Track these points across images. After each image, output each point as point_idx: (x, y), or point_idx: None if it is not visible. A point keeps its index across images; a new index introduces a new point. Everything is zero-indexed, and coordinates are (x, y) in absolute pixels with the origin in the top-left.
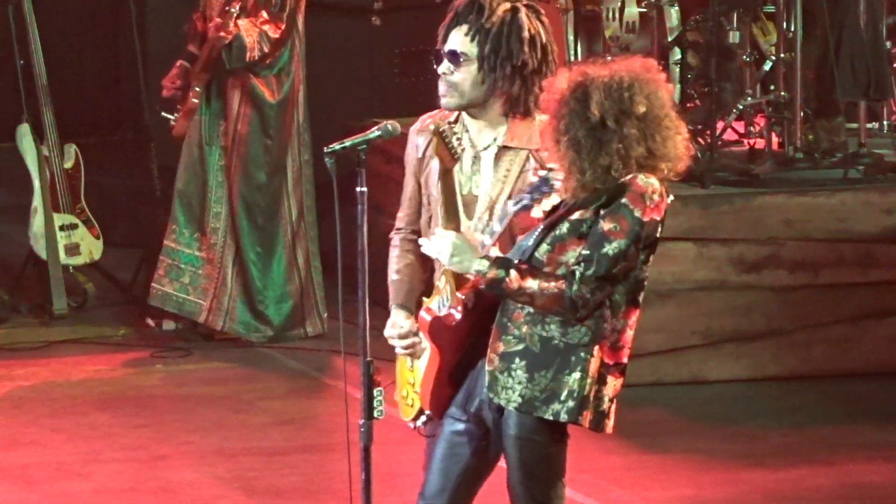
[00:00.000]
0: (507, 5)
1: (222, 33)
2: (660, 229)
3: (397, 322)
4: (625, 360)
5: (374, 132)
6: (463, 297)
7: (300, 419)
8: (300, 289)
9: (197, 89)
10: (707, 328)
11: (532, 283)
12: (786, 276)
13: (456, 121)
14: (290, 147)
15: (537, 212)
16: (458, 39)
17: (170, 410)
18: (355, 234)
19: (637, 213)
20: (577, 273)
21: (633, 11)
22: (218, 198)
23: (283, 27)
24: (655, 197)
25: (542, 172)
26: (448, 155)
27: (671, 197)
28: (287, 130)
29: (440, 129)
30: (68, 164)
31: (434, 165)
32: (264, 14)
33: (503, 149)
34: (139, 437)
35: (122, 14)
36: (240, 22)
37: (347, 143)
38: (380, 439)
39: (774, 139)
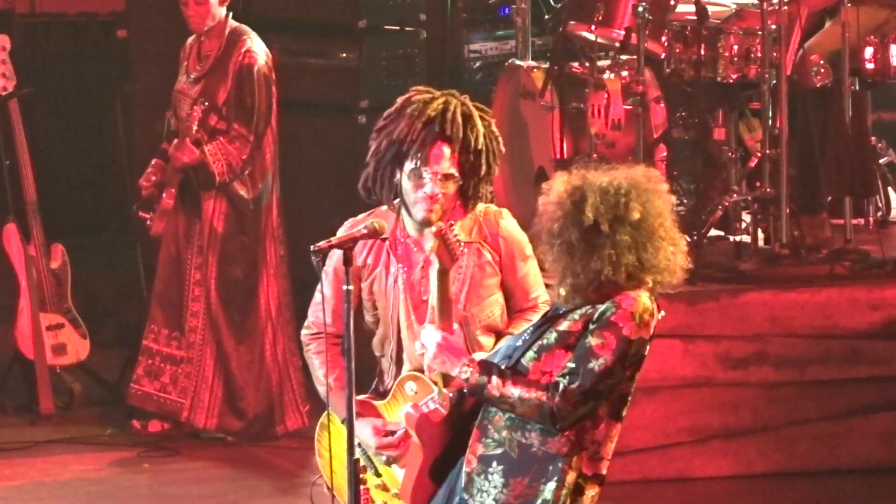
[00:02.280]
0: (475, 113)
1: (184, 159)
2: (648, 346)
3: (381, 428)
4: (604, 471)
5: (360, 231)
6: (450, 394)
7: None
8: (280, 384)
9: (172, 189)
10: (694, 425)
11: (514, 391)
12: (772, 373)
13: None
14: (266, 243)
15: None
16: (448, 161)
17: None
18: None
19: (625, 332)
20: (561, 385)
21: (618, 109)
22: (196, 296)
23: (252, 138)
24: (646, 316)
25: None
26: (448, 256)
27: (661, 313)
28: (263, 226)
29: (443, 232)
30: (55, 265)
31: (379, 272)
32: (235, 126)
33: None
34: None
35: (107, 114)
36: (207, 148)
37: (334, 241)
38: None
39: (760, 236)
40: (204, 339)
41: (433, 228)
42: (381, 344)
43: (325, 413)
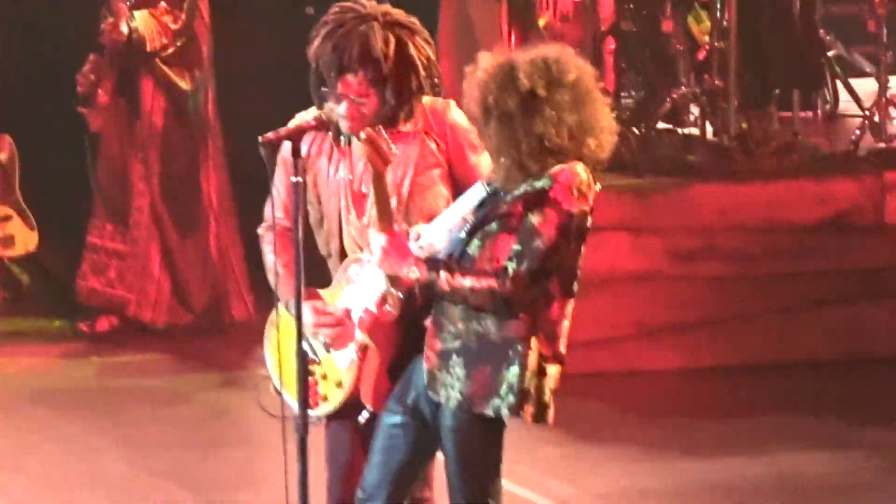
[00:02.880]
0: (392, 39)
1: (115, 35)
2: (589, 219)
3: (321, 308)
4: (562, 349)
5: (309, 122)
6: (399, 294)
7: (237, 412)
8: (223, 274)
9: (108, 84)
10: (642, 318)
11: (464, 283)
12: (720, 267)
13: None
14: (206, 135)
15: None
16: (356, 88)
17: (105, 403)
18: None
19: (566, 206)
20: (510, 269)
21: (567, 1)
22: (139, 191)
23: (182, 17)
24: (583, 188)
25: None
26: (379, 159)
27: (598, 185)
28: (203, 119)
29: (371, 137)
30: (2, 156)
31: (321, 164)
32: (163, 3)
33: (395, 134)
34: (74, 430)
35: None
36: (136, 13)
37: (282, 132)
38: (316, 430)
39: (708, 128)
40: (149, 233)
41: (362, 134)
42: (326, 242)
43: (274, 310)
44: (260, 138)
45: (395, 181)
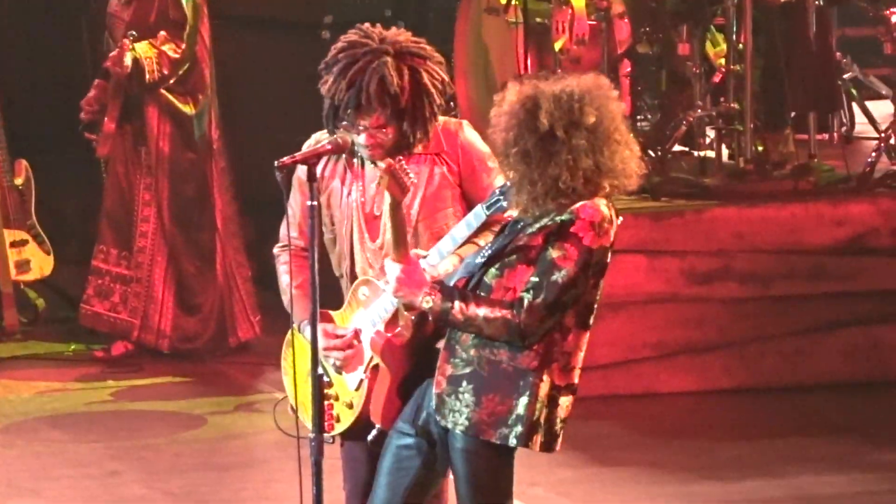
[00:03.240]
0: (406, 71)
1: (118, 68)
2: (609, 254)
3: (331, 331)
4: (576, 380)
5: (325, 146)
6: (412, 317)
7: (252, 434)
8: (230, 296)
9: (113, 112)
10: (659, 340)
11: (478, 313)
12: (737, 289)
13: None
14: (211, 158)
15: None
16: (374, 122)
17: (121, 426)
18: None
19: (586, 242)
20: (526, 300)
21: (582, 24)
22: (144, 217)
23: (183, 45)
24: (605, 224)
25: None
26: (398, 189)
27: (620, 219)
28: (207, 142)
29: (392, 167)
30: (18, 181)
31: (335, 186)
32: (163, 33)
33: (407, 156)
34: (91, 454)
35: (73, 30)
36: (137, 46)
37: (298, 156)
38: (331, 454)
39: (725, 151)
40: (153, 259)
41: (382, 164)
42: (338, 263)
43: (290, 330)
44: (276, 163)
45: (404, 202)
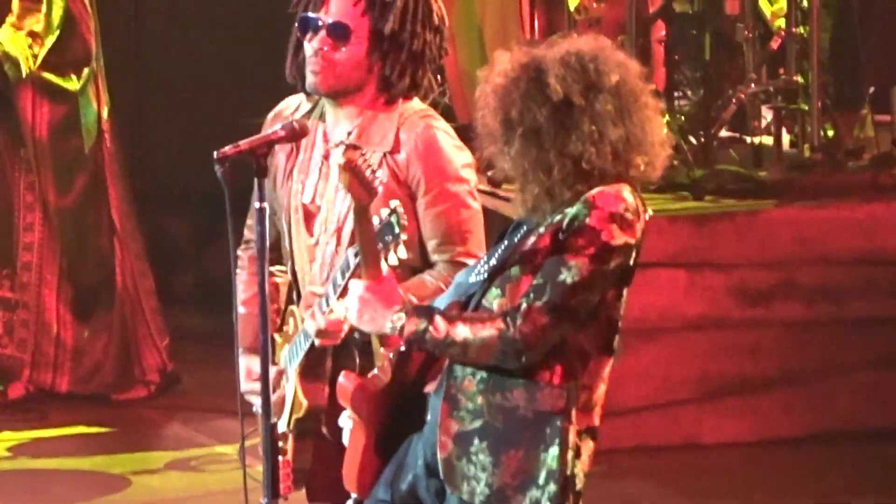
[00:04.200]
0: None
1: None
2: (635, 254)
3: (251, 369)
4: (597, 421)
5: (277, 133)
6: (390, 354)
7: (189, 499)
8: (132, 315)
9: None
10: (702, 376)
11: (462, 329)
12: (802, 310)
13: (313, 108)
14: (99, 140)
15: (392, 259)
16: (346, 9)
17: (22, 489)
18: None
19: (605, 237)
20: (524, 304)
21: None
22: (28, 224)
23: (42, 8)
24: (628, 215)
25: (385, 211)
26: (363, 190)
27: (650, 212)
28: (94, 119)
29: (352, 164)
30: None
31: (280, 161)
32: (16, 3)
33: (350, 149)
34: None
35: None
36: (2, 35)
37: (243, 145)
38: None
39: (785, 137)
40: (41, 277)
41: (341, 161)
42: (284, 262)
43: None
44: (216, 153)
45: (341, 213)
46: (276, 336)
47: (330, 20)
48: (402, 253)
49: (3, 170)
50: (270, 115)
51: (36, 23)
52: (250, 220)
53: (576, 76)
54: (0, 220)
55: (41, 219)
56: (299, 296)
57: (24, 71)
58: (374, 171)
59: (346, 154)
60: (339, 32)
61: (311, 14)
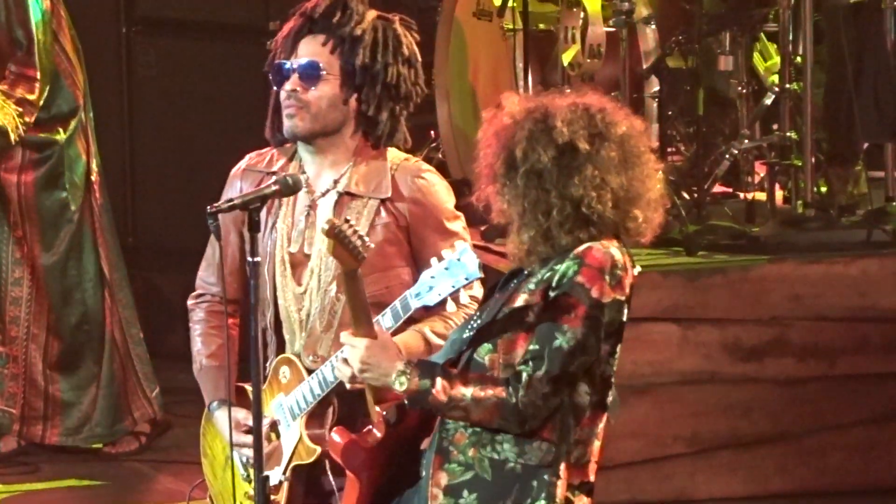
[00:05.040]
0: (375, 13)
1: None
2: (626, 310)
3: (243, 420)
4: (592, 477)
5: (270, 187)
6: (384, 412)
7: None
8: (123, 368)
9: None
10: (695, 432)
11: (465, 392)
12: (794, 366)
13: (291, 158)
14: (87, 193)
15: (464, 297)
16: (315, 49)
17: None
18: None
19: (594, 294)
20: (524, 375)
21: (597, 32)
22: (16, 279)
23: (37, 75)
24: (617, 271)
25: (450, 253)
26: (349, 255)
27: (638, 268)
28: (83, 172)
29: (336, 229)
30: None
31: (261, 214)
32: (12, 68)
33: (345, 196)
34: None
35: None
36: None
37: (237, 200)
38: None
39: (779, 192)
40: (28, 332)
41: (325, 226)
42: (262, 312)
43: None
44: (209, 209)
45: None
46: (246, 386)
47: (299, 62)
48: (477, 290)
49: None
50: (235, 169)
51: (29, 92)
52: (208, 276)
53: (583, 123)
54: None
55: (29, 273)
56: (280, 345)
57: (13, 139)
58: (361, 237)
59: (329, 221)
60: (309, 72)
61: (281, 61)
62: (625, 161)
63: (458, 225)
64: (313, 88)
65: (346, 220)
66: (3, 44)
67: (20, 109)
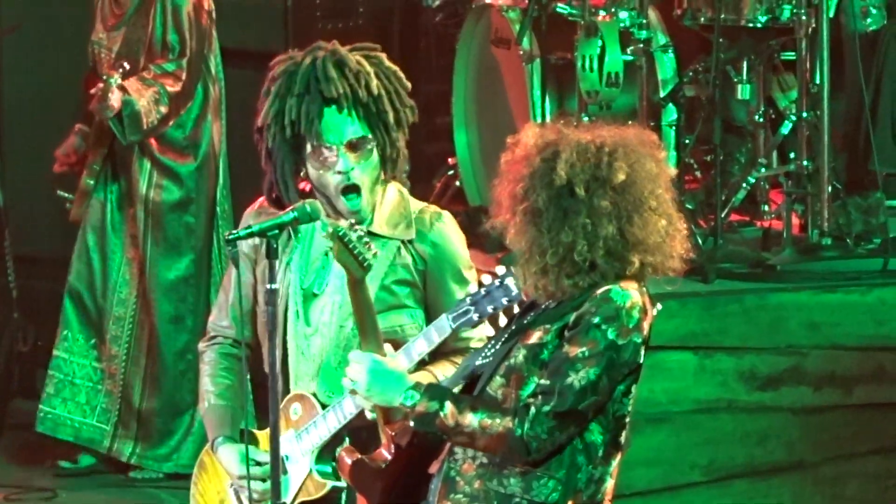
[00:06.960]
0: (359, 57)
1: (103, 109)
2: (643, 351)
3: (255, 458)
4: None
5: (288, 214)
6: (393, 432)
7: None
8: None
9: (94, 167)
10: (711, 460)
11: (472, 420)
12: (810, 395)
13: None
14: (214, 221)
15: (503, 320)
16: (348, 124)
17: None
18: None
19: (611, 335)
20: (533, 408)
21: (615, 60)
22: (121, 299)
23: (184, 77)
24: (635, 313)
25: (501, 270)
26: (355, 261)
27: (658, 306)
28: (209, 201)
29: (340, 233)
30: None
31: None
32: (162, 65)
33: (368, 236)
34: None
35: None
36: (128, 83)
37: (255, 227)
38: None
39: (795, 221)
40: (129, 353)
41: (328, 229)
42: (277, 342)
43: (205, 448)
44: (226, 235)
45: (341, 300)
46: (260, 432)
47: (340, 140)
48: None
49: (102, 242)
50: (249, 209)
51: (171, 85)
52: (220, 319)
53: (586, 166)
54: (92, 291)
55: (140, 295)
56: (287, 382)
57: (144, 127)
58: (368, 243)
59: (333, 223)
60: (356, 148)
61: (321, 142)
62: (619, 209)
63: (473, 274)
64: (362, 163)
65: (352, 224)
66: (150, 49)
67: (158, 95)
